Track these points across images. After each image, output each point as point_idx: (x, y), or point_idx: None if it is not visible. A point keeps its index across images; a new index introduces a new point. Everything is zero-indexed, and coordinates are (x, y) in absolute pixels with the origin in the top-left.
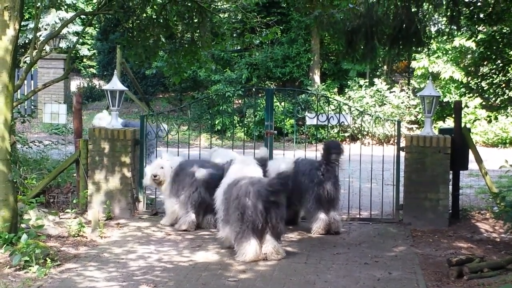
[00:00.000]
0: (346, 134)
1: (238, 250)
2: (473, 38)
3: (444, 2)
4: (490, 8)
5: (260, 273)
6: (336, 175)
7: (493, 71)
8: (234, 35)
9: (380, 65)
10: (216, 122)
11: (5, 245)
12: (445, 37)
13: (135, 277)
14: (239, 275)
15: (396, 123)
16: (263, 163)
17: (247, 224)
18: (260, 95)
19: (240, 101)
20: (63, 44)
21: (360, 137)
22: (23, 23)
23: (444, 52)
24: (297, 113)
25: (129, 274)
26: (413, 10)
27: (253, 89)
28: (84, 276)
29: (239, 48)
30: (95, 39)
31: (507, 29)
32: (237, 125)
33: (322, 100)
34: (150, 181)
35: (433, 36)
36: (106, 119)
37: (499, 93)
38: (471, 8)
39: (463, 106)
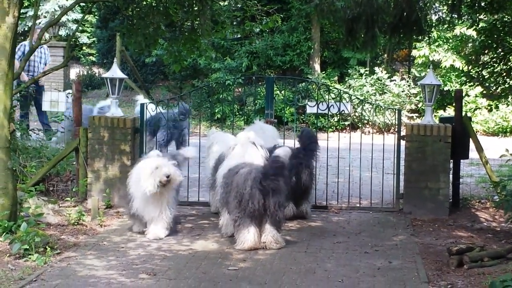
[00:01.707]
0: (347, 123)
1: (237, 238)
2: (474, 27)
3: None
4: None
5: (260, 262)
6: (311, 165)
7: (494, 59)
8: (234, 23)
9: (380, 53)
10: (216, 111)
11: (4, 233)
12: (446, 26)
13: (135, 265)
14: (239, 264)
15: (396, 111)
16: None
17: (244, 212)
18: (260, 83)
19: (240, 89)
20: (62, 32)
21: (360, 125)
22: (22, 10)
23: (444, 41)
24: (297, 101)
25: (129, 262)
26: None
27: (253, 78)
28: (84, 265)
29: (239, 36)
30: (94, 27)
31: (508, 17)
32: (237, 113)
33: (322, 88)
34: (154, 187)
35: (434, 24)
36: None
37: (500, 82)
38: None
39: (463, 95)
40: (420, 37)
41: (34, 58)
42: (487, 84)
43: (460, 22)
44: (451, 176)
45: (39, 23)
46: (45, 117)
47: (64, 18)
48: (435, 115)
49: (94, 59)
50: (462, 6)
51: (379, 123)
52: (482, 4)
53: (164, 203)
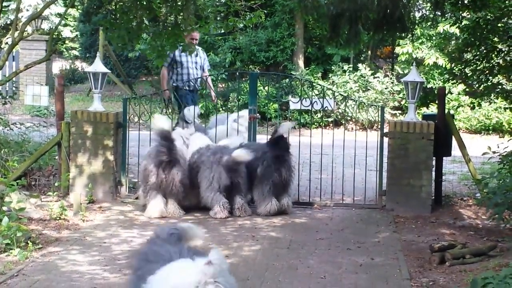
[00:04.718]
0: (330, 119)
1: (212, 210)
2: (457, 24)
3: None
4: None
5: (243, 258)
6: (290, 159)
7: (477, 57)
8: (218, 18)
9: (364, 50)
10: (200, 106)
11: None
12: (429, 23)
13: (118, 261)
14: None
15: (379, 108)
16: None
17: (218, 188)
18: (243, 79)
19: (223, 85)
20: (45, 26)
21: (343, 122)
22: (4, 3)
23: (428, 38)
24: (281, 97)
25: (112, 258)
26: None
27: (237, 73)
28: (67, 260)
29: (222, 31)
30: (77, 20)
31: (492, 15)
32: (221, 109)
33: (305, 84)
34: None
35: (417, 21)
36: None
37: (483, 80)
38: None
39: (446, 92)
40: (403, 34)
41: (187, 64)
42: (470, 82)
43: (443, 19)
44: (433, 173)
45: (22, 16)
46: None
47: (46, 12)
48: (418, 113)
49: (77, 53)
50: (446, 4)
51: (362, 120)
52: (465, 1)
53: None
